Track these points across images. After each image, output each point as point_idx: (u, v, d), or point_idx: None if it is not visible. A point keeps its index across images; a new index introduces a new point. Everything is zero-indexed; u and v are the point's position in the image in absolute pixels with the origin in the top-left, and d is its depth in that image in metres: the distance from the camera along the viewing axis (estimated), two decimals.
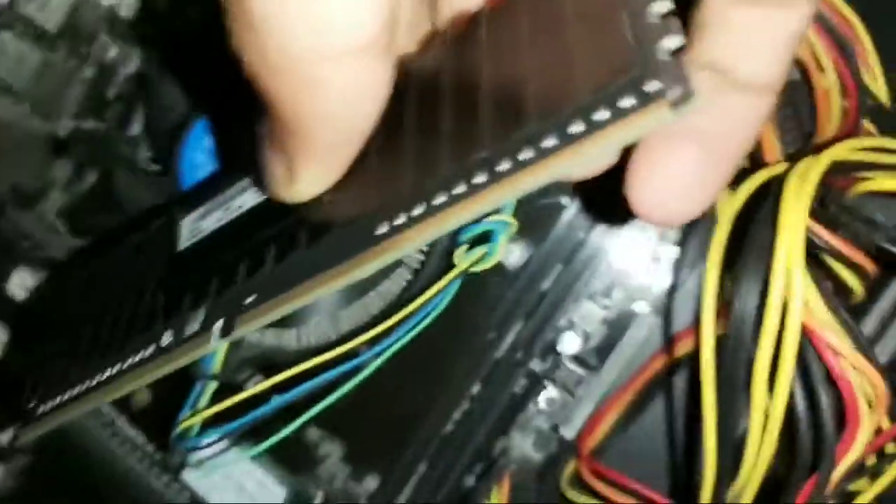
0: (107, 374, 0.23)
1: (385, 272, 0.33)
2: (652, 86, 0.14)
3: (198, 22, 0.31)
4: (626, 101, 0.15)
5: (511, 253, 0.35)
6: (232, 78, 0.17)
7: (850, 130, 0.28)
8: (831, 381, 0.22)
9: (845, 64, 0.29)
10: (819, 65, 0.29)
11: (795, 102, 0.30)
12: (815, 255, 0.26)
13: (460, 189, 0.16)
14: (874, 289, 0.30)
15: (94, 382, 0.23)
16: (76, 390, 0.24)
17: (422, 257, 0.33)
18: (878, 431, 0.29)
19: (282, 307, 0.19)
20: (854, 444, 0.22)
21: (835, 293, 0.26)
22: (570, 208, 0.34)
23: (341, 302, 0.32)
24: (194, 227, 0.25)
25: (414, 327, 0.28)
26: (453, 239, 0.29)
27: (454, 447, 0.36)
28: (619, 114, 0.15)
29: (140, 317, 0.23)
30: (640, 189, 0.19)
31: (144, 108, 0.34)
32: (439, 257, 0.33)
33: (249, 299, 0.20)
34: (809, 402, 0.22)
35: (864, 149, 0.23)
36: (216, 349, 0.22)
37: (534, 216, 0.35)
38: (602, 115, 0.15)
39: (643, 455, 0.34)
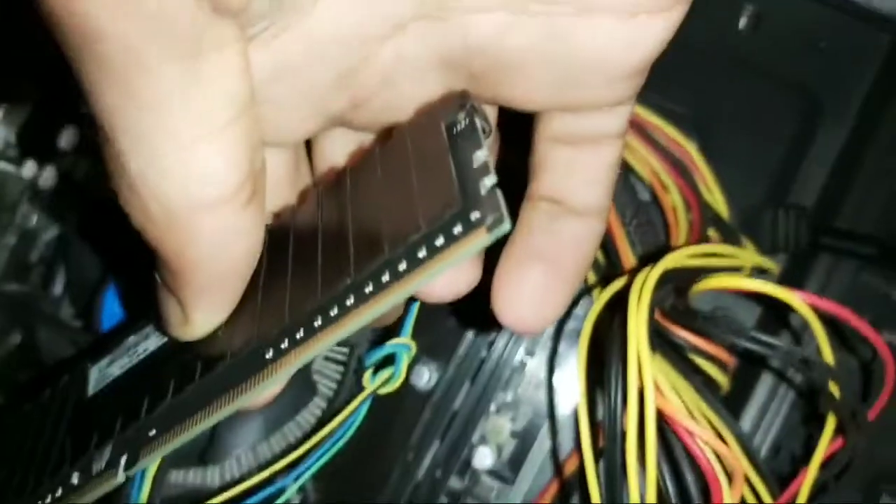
0: None
1: (300, 403, 0.34)
2: (474, 215, 0.18)
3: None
4: (456, 229, 0.18)
5: (421, 376, 0.38)
6: (136, 237, 0.20)
7: (697, 239, 0.32)
8: (693, 461, 0.25)
9: (685, 183, 0.33)
10: (663, 185, 0.33)
11: (651, 219, 0.35)
12: (681, 354, 0.30)
13: (334, 312, 0.19)
14: (742, 380, 0.33)
15: None
16: None
17: (335, 386, 0.35)
18: None
19: (181, 436, 0.21)
20: None
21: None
22: (469, 330, 0.37)
23: (261, 435, 0.34)
24: (102, 373, 0.27)
25: (329, 449, 0.30)
26: (361, 364, 0.31)
27: None
28: (451, 239, 0.18)
29: (51, 461, 0.25)
30: (501, 303, 0.22)
31: (65, 268, 0.36)
32: (351, 386, 0.35)
33: (151, 432, 0.22)
34: (675, 481, 0.24)
35: (696, 255, 0.27)
36: (121, 481, 0.23)
37: (438, 339, 0.38)
38: (440, 240, 0.18)
39: None
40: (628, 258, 0.32)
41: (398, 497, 0.37)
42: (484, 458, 0.37)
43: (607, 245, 0.33)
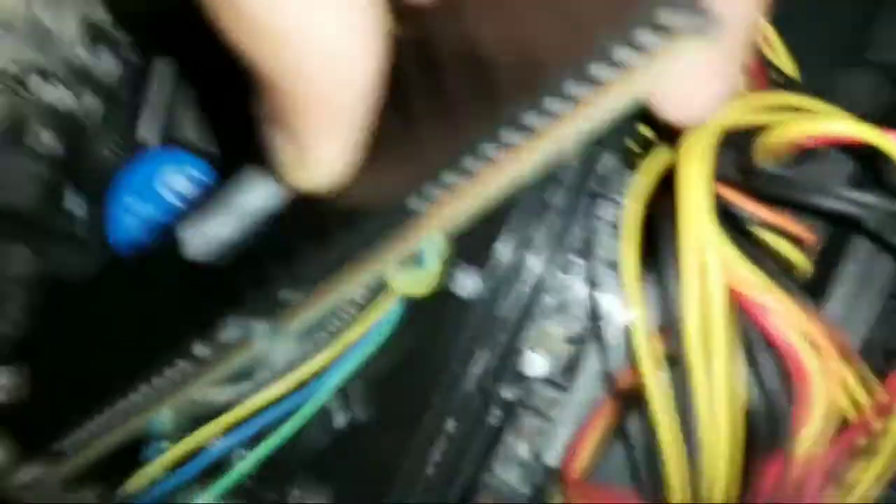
0: (135, 398, 0.23)
1: (330, 311, 0.32)
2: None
3: None
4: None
5: (462, 283, 0.35)
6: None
7: None
8: (773, 347, 0.21)
9: None
10: None
11: None
12: (746, 233, 0.25)
13: (490, 151, 0.17)
14: (826, 262, 0.29)
15: (121, 411, 0.24)
16: (103, 421, 0.24)
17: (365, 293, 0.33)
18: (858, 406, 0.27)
19: (322, 300, 0.20)
20: (811, 410, 0.21)
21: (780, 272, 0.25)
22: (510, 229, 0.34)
23: (291, 347, 0.32)
24: (203, 237, 0.24)
25: (359, 355, 0.27)
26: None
27: (437, 489, 0.35)
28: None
29: (160, 336, 0.23)
30: (664, 91, 0.19)
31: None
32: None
33: (288, 296, 0.20)
34: (753, 373, 0.21)
35: (763, 108, 0.23)
36: (262, 350, 0.22)
37: (474, 242, 0.35)
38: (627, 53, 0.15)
39: (632, 468, 0.33)
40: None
41: (449, 409, 0.34)
42: (537, 365, 0.34)
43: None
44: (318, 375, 0.28)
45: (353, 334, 0.27)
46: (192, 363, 0.22)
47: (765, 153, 0.22)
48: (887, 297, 0.30)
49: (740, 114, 0.22)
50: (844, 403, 0.24)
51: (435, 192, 0.18)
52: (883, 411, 0.27)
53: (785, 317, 0.20)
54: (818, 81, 0.30)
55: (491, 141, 0.17)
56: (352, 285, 0.20)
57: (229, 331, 0.21)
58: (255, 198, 0.23)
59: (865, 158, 0.29)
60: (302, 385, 0.29)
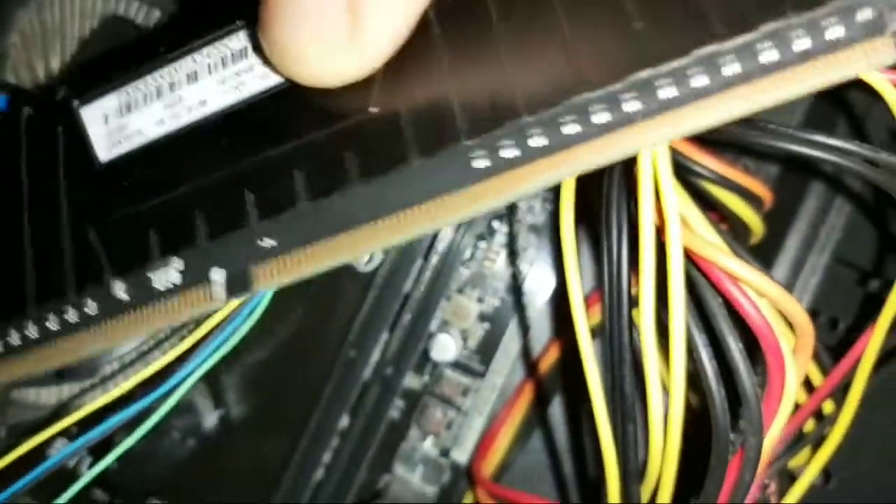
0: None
1: None
2: None
3: None
4: None
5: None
6: None
7: None
8: (738, 320, 0.17)
9: None
10: None
11: None
12: (698, 193, 0.22)
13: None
14: (772, 224, 0.25)
15: None
16: None
17: None
18: (809, 386, 0.24)
19: (323, 260, 0.16)
20: (783, 397, 0.17)
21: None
22: None
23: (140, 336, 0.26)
24: (117, 126, 0.18)
25: (227, 339, 0.22)
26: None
27: (328, 496, 0.30)
28: None
29: (47, 277, 0.18)
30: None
31: None
32: None
33: (271, 243, 0.16)
34: (715, 354, 0.17)
35: None
36: (220, 308, 0.18)
37: None
38: None
39: (549, 468, 0.29)
40: None
41: (342, 402, 0.29)
42: (446, 347, 0.29)
43: None
44: (175, 367, 0.22)
45: (219, 315, 0.21)
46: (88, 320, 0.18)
47: None
48: (833, 261, 0.27)
49: None
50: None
51: (536, 145, 0.15)
52: (834, 394, 0.24)
53: (756, 287, 0.16)
54: None
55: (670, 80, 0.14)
56: (350, 254, 0.16)
57: (161, 276, 0.17)
58: (209, 89, 0.18)
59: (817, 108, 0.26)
60: (157, 379, 0.23)
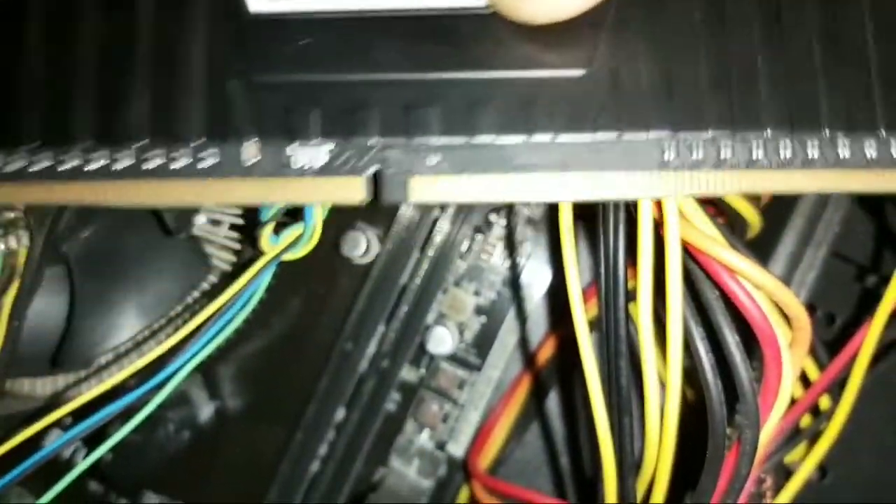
0: None
1: (189, 280, 0.26)
2: None
3: None
4: None
5: (357, 245, 0.29)
6: None
7: None
8: (735, 313, 0.17)
9: None
10: None
11: None
12: None
13: None
14: (770, 218, 0.25)
15: None
16: None
17: (233, 258, 0.27)
18: (806, 382, 0.24)
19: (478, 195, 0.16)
20: (780, 391, 0.17)
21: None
22: None
23: (138, 324, 0.25)
24: None
25: (221, 330, 0.21)
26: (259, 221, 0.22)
27: (324, 488, 0.29)
28: None
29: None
30: None
31: None
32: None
33: (436, 160, 0.16)
34: (712, 347, 0.17)
35: None
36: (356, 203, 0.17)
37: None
38: None
39: (545, 461, 0.29)
40: None
41: (338, 394, 0.29)
42: (443, 340, 0.29)
43: None
44: (170, 357, 0.22)
45: (214, 305, 0.21)
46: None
47: None
48: (830, 256, 0.27)
49: None
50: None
51: None
52: (830, 389, 0.24)
53: (753, 279, 0.16)
54: None
55: None
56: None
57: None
58: None
59: None
60: (152, 370, 0.23)
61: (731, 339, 0.17)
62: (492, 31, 0.17)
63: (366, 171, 0.17)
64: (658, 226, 0.16)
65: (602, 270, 0.18)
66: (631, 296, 0.18)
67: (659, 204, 0.16)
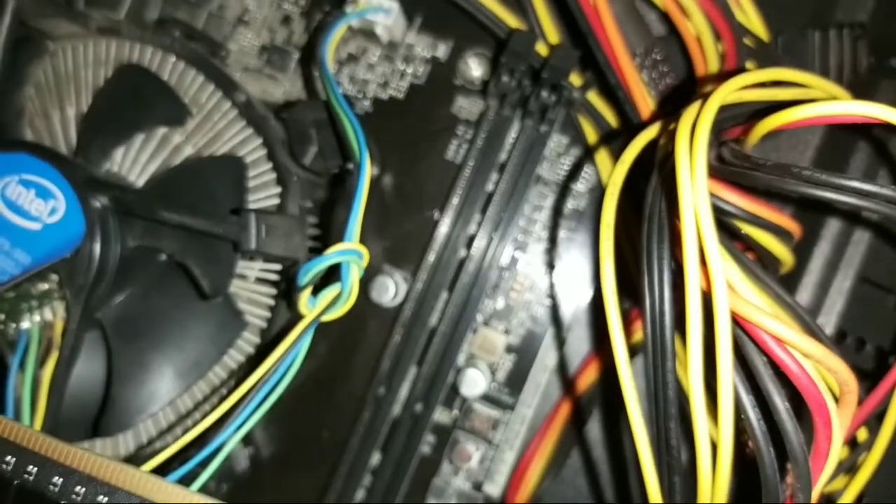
0: None
1: (225, 339, 0.26)
2: None
3: None
4: None
5: (386, 290, 0.29)
6: None
7: (733, 73, 0.24)
8: (781, 377, 0.17)
9: (713, 4, 0.24)
10: (683, 9, 0.24)
11: (669, 56, 0.26)
12: (725, 226, 0.22)
13: None
14: (803, 252, 0.25)
15: None
16: None
17: (268, 314, 0.27)
18: None
19: None
20: (830, 453, 0.17)
21: (761, 267, 0.21)
22: (443, 223, 0.29)
23: (176, 387, 0.26)
24: None
25: (269, 394, 0.22)
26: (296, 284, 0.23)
27: None
28: None
29: None
30: None
31: None
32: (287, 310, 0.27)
33: None
34: (763, 413, 0.17)
35: (751, 85, 0.19)
36: None
37: (399, 241, 0.30)
38: None
39: (582, 497, 0.29)
40: (646, 105, 0.23)
41: (373, 439, 0.29)
42: (475, 381, 0.29)
43: (616, 92, 0.24)
44: (223, 422, 0.22)
45: (257, 374, 0.21)
46: None
47: (760, 135, 0.18)
48: (858, 281, 0.27)
49: (735, 89, 0.18)
50: None
51: None
52: (867, 421, 0.24)
53: (799, 347, 0.16)
54: (788, 44, 0.26)
55: None
56: None
57: None
58: None
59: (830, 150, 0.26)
60: (203, 438, 0.23)
61: (782, 406, 0.17)
62: None
63: None
64: (706, 295, 0.17)
65: (649, 331, 0.18)
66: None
67: (706, 273, 0.16)
